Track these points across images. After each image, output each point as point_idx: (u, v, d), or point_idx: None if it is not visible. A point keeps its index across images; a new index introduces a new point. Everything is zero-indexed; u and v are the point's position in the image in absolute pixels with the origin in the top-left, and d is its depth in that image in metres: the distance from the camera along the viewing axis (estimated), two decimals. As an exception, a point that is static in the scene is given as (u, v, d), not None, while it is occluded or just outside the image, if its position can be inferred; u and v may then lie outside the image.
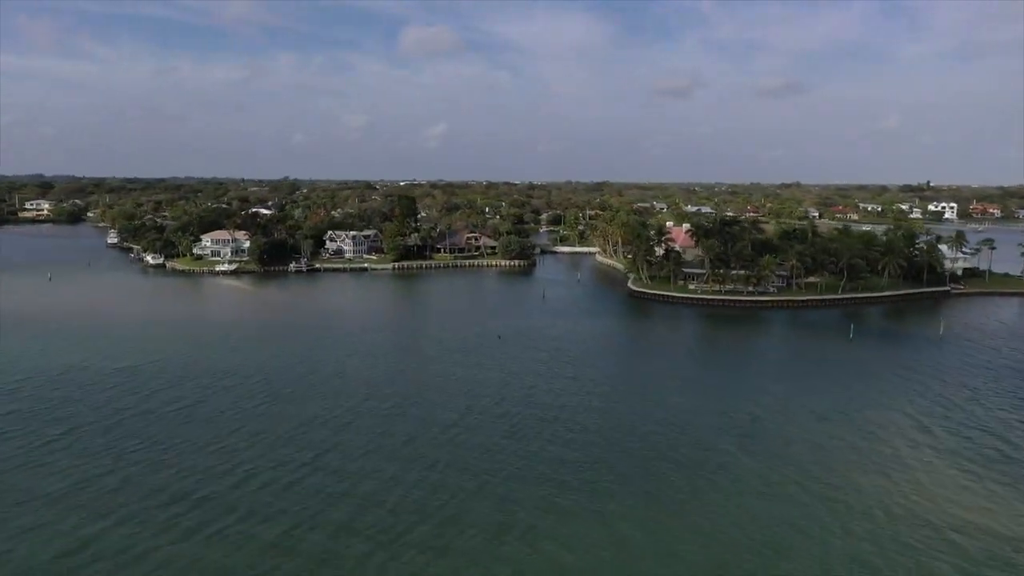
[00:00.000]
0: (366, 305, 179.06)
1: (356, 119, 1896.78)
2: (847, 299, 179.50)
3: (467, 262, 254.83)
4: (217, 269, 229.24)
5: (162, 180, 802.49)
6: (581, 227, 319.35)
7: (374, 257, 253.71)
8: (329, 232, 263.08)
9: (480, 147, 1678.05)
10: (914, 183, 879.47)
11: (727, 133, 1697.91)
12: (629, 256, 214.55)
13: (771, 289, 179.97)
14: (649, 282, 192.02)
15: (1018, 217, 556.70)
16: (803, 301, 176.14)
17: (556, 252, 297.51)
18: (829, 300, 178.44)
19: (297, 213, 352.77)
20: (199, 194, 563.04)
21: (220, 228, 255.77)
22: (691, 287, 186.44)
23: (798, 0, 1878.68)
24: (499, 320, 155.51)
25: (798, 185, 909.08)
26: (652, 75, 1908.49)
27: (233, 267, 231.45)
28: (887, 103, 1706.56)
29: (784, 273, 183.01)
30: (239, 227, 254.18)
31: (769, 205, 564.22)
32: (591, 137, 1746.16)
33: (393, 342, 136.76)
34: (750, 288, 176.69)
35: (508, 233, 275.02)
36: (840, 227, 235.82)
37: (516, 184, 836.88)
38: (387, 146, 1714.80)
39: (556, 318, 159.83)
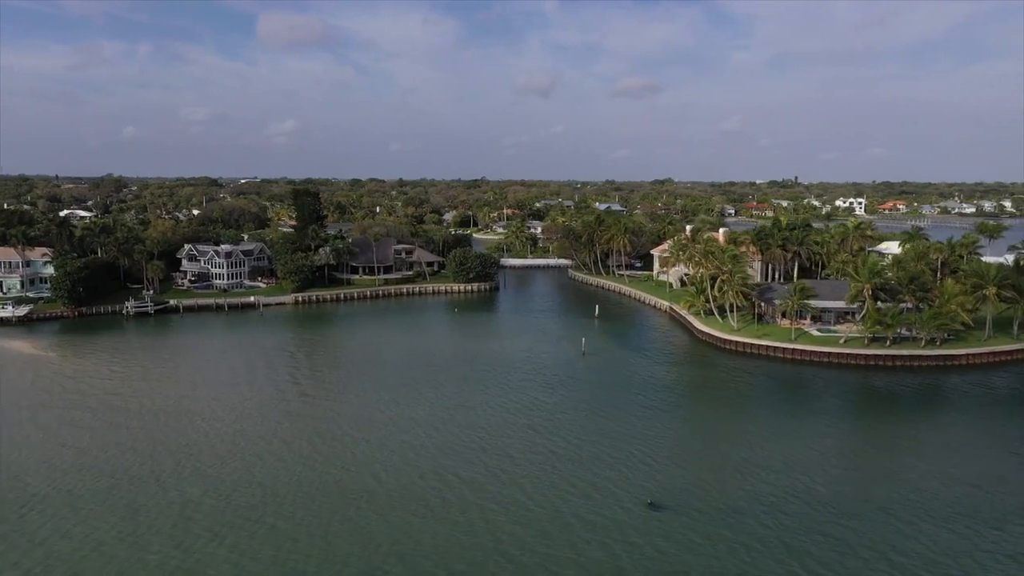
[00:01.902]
0: (280, 404, 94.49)
1: (197, 113, 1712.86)
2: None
3: (403, 288, 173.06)
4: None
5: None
6: (531, 231, 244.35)
7: (262, 285, 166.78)
8: (186, 247, 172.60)
9: (331, 145, 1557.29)
10: (779, 179, 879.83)
11: (579, 132, 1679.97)
12: (687, 283, 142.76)
13: (945, 335, 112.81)
14: (720, 321, 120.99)
15: (923, 213, 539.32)
16: (1010, 354, 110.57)
17: (504, 266, 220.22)
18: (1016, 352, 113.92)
19: (129, 217, 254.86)
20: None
21: (3, 243, 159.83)
22: (815, 332, 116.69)
23: (638, 4, 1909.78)
24: (584, 433, 78.65)
25: (671, 181, 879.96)
26: (501, 75, 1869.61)
27: (23, 310, 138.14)
28: (727, 106, 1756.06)
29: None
30: (34, 241, 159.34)
31: (679, 202, 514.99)
32: (446, 135, 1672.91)
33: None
34: (930, 336, 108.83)
35: (448, 242, 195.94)
36: (909, 232, 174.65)
37: (384, 181, 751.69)
38: (232, 142, 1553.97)
39: (672, 415, 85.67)
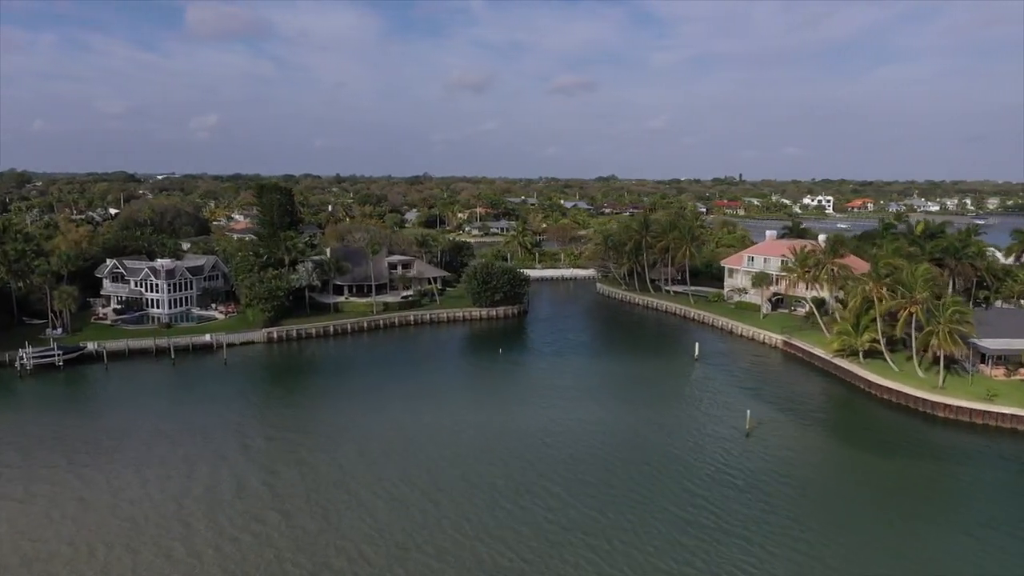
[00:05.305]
0: None
1: (113, 106, 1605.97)
2: None
3: (409, 316, 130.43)
4: None
5: None
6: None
7: (220, 316, 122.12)
8: (109, 263, 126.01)
9: (256, 140, 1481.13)
10: (722, 176, 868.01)
11: (512, 130, 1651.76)
12: (804, 308, 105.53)
13: None
14: (895, 370, 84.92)
15: (889, 210, 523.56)
16: None
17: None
18: None
19: (30, 217, 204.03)
20: None
21: None
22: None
23: (563, 3, 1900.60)
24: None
25: (615, 178, 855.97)
26: (430, 71, 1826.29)
27: None
28: (654, 105, 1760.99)
29: None
30: None
31: (646, 200, 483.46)
32: (375, 131, 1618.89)
33: None
34: None
35: (446, 251, 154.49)
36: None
37: (320, 177, 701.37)
38: (151, 137, 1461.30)
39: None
